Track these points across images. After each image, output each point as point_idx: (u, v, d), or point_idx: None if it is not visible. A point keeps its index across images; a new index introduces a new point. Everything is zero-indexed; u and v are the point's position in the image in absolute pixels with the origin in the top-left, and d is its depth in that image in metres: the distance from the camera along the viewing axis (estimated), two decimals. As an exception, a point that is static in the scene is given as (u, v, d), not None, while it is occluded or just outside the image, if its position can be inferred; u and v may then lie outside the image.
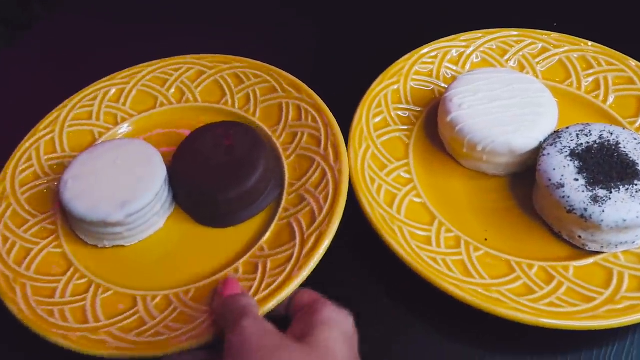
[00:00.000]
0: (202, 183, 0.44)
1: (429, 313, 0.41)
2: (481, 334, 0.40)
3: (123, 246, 0.44)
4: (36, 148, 0.49)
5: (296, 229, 0.42)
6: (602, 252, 0.41)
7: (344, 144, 0.45)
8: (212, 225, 0.45)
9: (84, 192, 0.42)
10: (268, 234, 0.43)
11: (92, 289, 0.41)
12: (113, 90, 0.53)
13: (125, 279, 0.42)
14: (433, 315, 0.41)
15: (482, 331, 0.40)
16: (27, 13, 0.93)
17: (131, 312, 0.40)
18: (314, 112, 0.48)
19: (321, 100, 0.48)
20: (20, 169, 0.48)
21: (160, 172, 0.44)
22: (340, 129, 0.47)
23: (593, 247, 0.41)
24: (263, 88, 0.52)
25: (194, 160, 0.45)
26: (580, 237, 0.41)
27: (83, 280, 0.42)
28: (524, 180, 0.46)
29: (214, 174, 0.44)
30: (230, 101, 0.52)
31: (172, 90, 0.53)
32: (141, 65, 0.55)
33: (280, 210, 0.44)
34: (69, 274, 0.42)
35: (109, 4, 0.71)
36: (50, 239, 0.44)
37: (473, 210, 0.45)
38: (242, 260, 0.41)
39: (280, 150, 0.48)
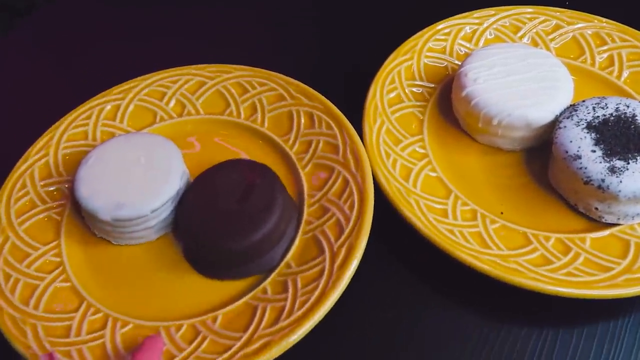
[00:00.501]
0: (193, 223, 0.40)
1: (446, 285, 0.42)
2: (497, 306, 0.40)
3: (110, 242, 0.43)
4: (100, 109, 0.49)
5: (257, 315, 0.37)
6: (619, 224, 0.41)
7: (364, 243, 0.39)
8: (191, 264, 0.42)
9: (94, 176, 0.42)
10: (229, 308, 0.38)
11: (54, 274, 0.40)
12: (194, 80, 0.52)
13: (88, 277, 0.41)
14: (450, 287, 0.41)
15: (498, 303, 0.40)
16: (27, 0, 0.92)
17: (68, 315, 0.38)
18: (355, 195, 0.42)
19: (372, 186, 0.42)
20: (75, 124, 0.48)
21: (169, 191, 0.41)
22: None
23: (609, 219, 0.41)
24: (326, 143, 0.46)
25: (203, 195, 0.41)
26: (597, 209, 0.41)
27: (55, 259, 0.41)
28: (539, 155, 0.46)
29: (213, 219, 0.39)
30: (292, 140, 0.47)
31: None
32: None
33: (258, 290, 0.39)
34: (49, 246, 0.42)
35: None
36: (58, 203, 0.44)
37: (488, 184, 0.45)
38: (191, 321, 0.38)
39: (304, 221, 0.42)
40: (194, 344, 0.37)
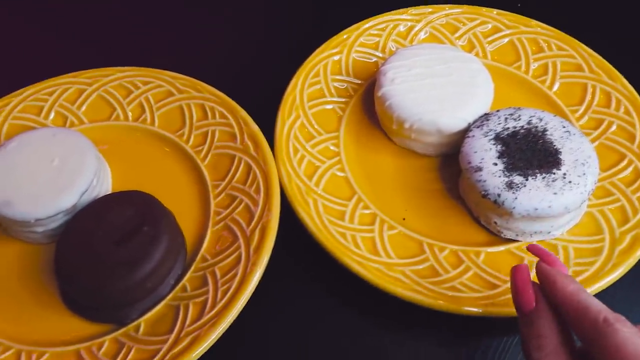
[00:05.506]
0: (66, 263, 0.37)
1: (333, 288, 0.41)
2: (381, 313, 0.39)
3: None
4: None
5: (180, 314, 0.37)
6: (517, 241, 0.40)
7: (276, 223, 0.39)
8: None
9: (7, 162, 0.40)
10: (150, 315, 0.37)
11: None
12: (72, 89, 0.49)
13: None
14: (336, 291, 0.41)
15: (383, 310, 0.39)
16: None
17: None
18: (260, 178, 0.41)
19: (274, 166, 0.42)
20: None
21: (61, 204, 0.38)
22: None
23: (508, 234, 0.40)
24: (223, 132, 0.45)
25: (83, 230, 0.38)
26: (495, 223, 0.40)
27: None
28: (455, 162, 0.44)
29: (84, 261, 0.36)
30: (186, 135, 0.46)
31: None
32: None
33: (177, 290, 0.38)
34: None
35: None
36: None
37: (397, 188, 0.44)
38: (112, 335, 0.36)
39: (212, 212, 0.41)
40: (119, 357, 0.35)
